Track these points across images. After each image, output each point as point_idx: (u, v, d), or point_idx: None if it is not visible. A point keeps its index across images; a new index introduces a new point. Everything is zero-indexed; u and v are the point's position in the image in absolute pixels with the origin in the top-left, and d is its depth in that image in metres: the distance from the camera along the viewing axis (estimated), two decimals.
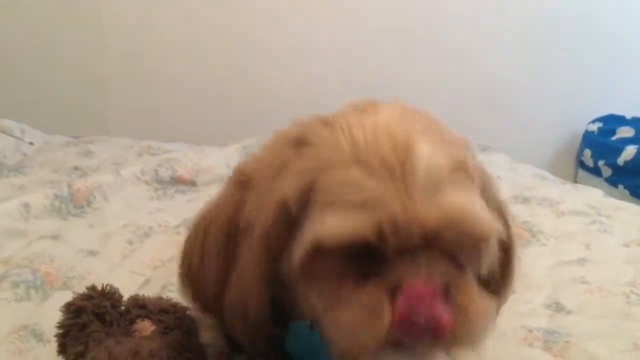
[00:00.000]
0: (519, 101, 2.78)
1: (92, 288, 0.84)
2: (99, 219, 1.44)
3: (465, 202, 0.56)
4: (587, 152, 2.73)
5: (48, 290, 1.09)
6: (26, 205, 1.37)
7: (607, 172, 2.58)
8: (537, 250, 1.32)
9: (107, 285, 0.85)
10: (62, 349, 0.81)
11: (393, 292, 0.55)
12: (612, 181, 2.54)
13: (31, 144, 1.91)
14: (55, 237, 1.31)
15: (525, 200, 1.60)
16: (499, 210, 0.66)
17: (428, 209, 0.54)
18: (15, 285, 1.08)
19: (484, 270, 0.62)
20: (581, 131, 2.81)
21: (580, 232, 1.39)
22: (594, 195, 1.68)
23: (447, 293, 0.56)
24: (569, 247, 1.31)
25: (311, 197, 0.59)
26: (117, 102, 2.55)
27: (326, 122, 0.64)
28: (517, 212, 1.50)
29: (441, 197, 0.54)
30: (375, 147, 0.56)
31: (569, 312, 1.05)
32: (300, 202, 0.60)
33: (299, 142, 0.64)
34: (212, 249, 0.72)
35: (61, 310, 0.84)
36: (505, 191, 1.66)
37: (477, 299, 0.59)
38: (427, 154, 0.55)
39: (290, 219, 0.61)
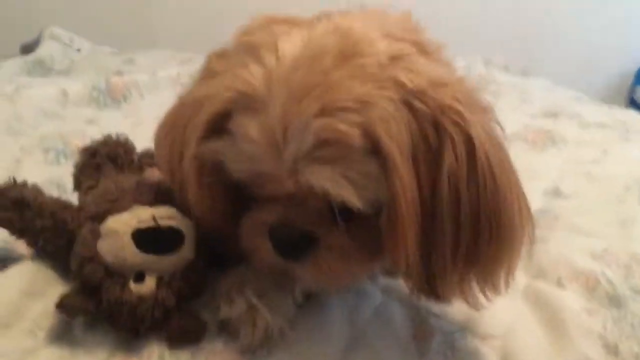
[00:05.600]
0: (571, 31, 2.71)
1: (108, 136, 0.92)
2: (133, 111, 1.51)
3: (317, 182, 0.59)
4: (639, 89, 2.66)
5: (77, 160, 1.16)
6: (65, 93, 1.45)
7: None
8: (552, 152, 1.33)
9: (120, 135, 0.92)
10: (77, 184, 0.88)
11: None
12: None
13: (78, 50, 1.99)
14: (90, 122, 1.39)
15: (554, 115, 1.59)
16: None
17: (290, 181, 0.60)
18: (46, 151, 1.17)
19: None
20: (634, 68, 2.74)
21: (601, 140, 1.39)
22: (628, 114, 1.66)
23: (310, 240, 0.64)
24: (585, 152, 1.32)
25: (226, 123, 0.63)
26: (162, 15, 2.60)
27: (252, 48, 0.64)
28: (542, 124, 1.50)
29: (301, 175, 0.59)
30: (274, 99, 0.59)
31: (566, 197, 1.08)
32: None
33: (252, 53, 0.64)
34: (166, 133, 0.73)
35: (79, 152, 0.91)
36: (537, 108, 1.67)
37: (336, 254, 0.65)
38: (300, 129, 0.57)
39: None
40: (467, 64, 2.01)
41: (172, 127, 0.72)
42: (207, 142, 0.64)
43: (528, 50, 2.63)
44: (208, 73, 0.71)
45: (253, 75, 0.61)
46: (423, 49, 0.66)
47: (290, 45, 0.61)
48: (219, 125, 0.64)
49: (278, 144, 0.58)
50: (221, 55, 0.70)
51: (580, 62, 2.74)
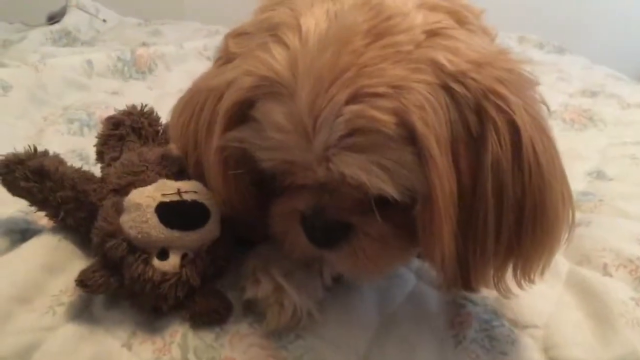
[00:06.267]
0: (607, 11, 2.63)
1: (132, 107, 0.88)
2: (158, 83, 1.48)
3: (350, 170, 0.55)
4: None
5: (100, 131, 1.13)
6: (89, 63, 1.42)
7: None
8: (592, 132, 1.28)
9: (145, 105, 0.89)
10: (100, 156, 0.85)
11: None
12: None
13: (104, 21, 1.97)
14: (114, 93, 1.37)
15: (593, 94, 1.54)
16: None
17: (321, 170, 0.56)
18: (70, 121, 1.14)
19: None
20: None
21: None
22: None
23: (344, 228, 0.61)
24: (627, 132, 1.27)
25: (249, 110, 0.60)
26: None
27: (273, 27, 0.60)
28: (581, 103, 1.45)
29: (332, 164, 0.56)
30: (301, 85, 0.55)
31: (610, 179, 1.03)
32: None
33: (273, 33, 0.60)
34: (179, 115, 0.71)
35: (102, 123, 0.88)
36: (575, 87, 1.61)
37: (373, 242, 0.61)
38: (330, 117, 0.53)
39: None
40: (501, 42, 1.95)
41: (185, 110, 0.69)
42: (230, 132, 0.60)
43: (563, 28, 2.54)
44: (225, 56, 0.66)
45: (276, 59, 0.57)
46: (460, 18, 0.62)
47: (314, 22, 0.57)
48: (241, 113, 0.60)
49: (307, 132, 0.55)
50: (239, 34, 0.66)
51: (617, 42, 2.66)
